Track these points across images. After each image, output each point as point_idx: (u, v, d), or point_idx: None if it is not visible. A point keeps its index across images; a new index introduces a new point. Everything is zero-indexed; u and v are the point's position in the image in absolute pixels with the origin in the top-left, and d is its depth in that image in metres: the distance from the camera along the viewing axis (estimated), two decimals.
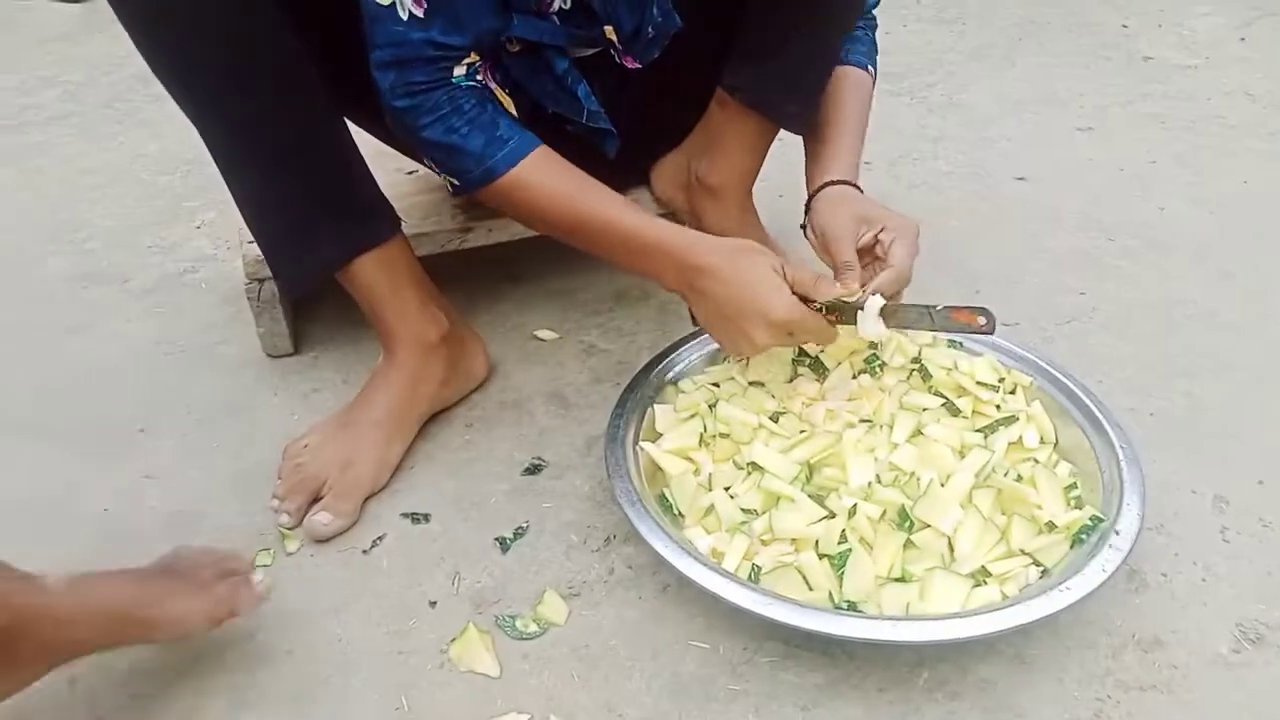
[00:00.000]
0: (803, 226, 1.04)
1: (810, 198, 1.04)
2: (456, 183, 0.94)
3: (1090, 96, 1.81)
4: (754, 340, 0.87)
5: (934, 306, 0.89)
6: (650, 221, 0.92)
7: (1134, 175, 1.55)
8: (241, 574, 0.79)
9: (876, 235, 0.96)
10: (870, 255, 0.97)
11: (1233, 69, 1.92)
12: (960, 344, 1.02)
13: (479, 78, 0.93)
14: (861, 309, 0.89)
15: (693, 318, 0.94)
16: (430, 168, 0.98)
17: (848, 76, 1.10)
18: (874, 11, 1.15)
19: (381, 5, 0.87)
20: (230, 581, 0.78)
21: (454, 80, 0.90)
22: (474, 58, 0.91)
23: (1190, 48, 2.02)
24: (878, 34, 1.15)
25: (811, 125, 1.09)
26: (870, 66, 1.13)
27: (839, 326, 0.91)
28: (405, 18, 0.87)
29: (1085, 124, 1.72)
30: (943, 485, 0.86)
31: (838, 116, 1.08)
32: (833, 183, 1.03)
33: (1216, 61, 1.95)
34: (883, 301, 0.89)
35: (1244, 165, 1.57)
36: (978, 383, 0.97)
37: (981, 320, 0.88)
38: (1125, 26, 2.13)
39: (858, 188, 1.04)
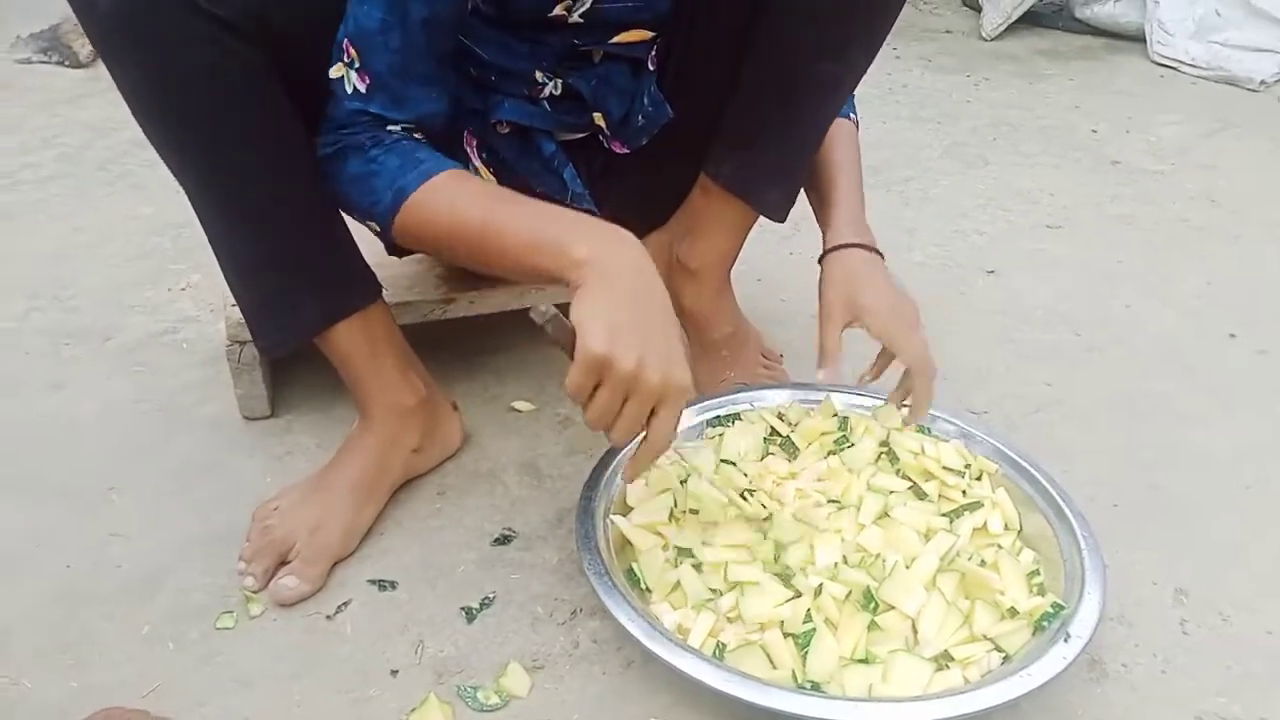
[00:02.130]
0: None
1: (821, 258, 1.07)
2: (375, 224, 0.92)
3: (1060, 196, 1.87)
4: (643, 371, 0.76)
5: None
6: (557, 207, 0.88)
7: (1101, 273, 1.60)
8: None
9: (866, 328, 1.00)
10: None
11: (1197, 175, 1.99)
12: (928, 429, 1.05)
13: (416, 136, 0.93)
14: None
15: (553, 319, 0.81)
16: (358, 218, 0.94)
17: (838, 127, 1.12)
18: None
19: (333, 79, 0.91)
20: None
21: (385, 129, 0.91)
22: (411, 126, 0.93)
23: (1157, 154, 2.10)
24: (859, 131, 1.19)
25: (812, 179, 1.12)
26: (853, 114, 1.17)
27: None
28: (349, 91, 0.90)
29: (1055, 222, 1.77)
30: (908, 568, 0.87)
31: (837, 170, 1.11)
32: (841, 246, 1.05)
33: (1182, 167, 2.03)
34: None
35: (1208, 266, 1.62)
36: (944, 467, 0.99)
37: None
38: (1095, 131, 2.21)
39: (869, 246, 1.06)
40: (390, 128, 0.91)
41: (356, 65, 0.89)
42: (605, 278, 0.79)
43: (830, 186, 1.11)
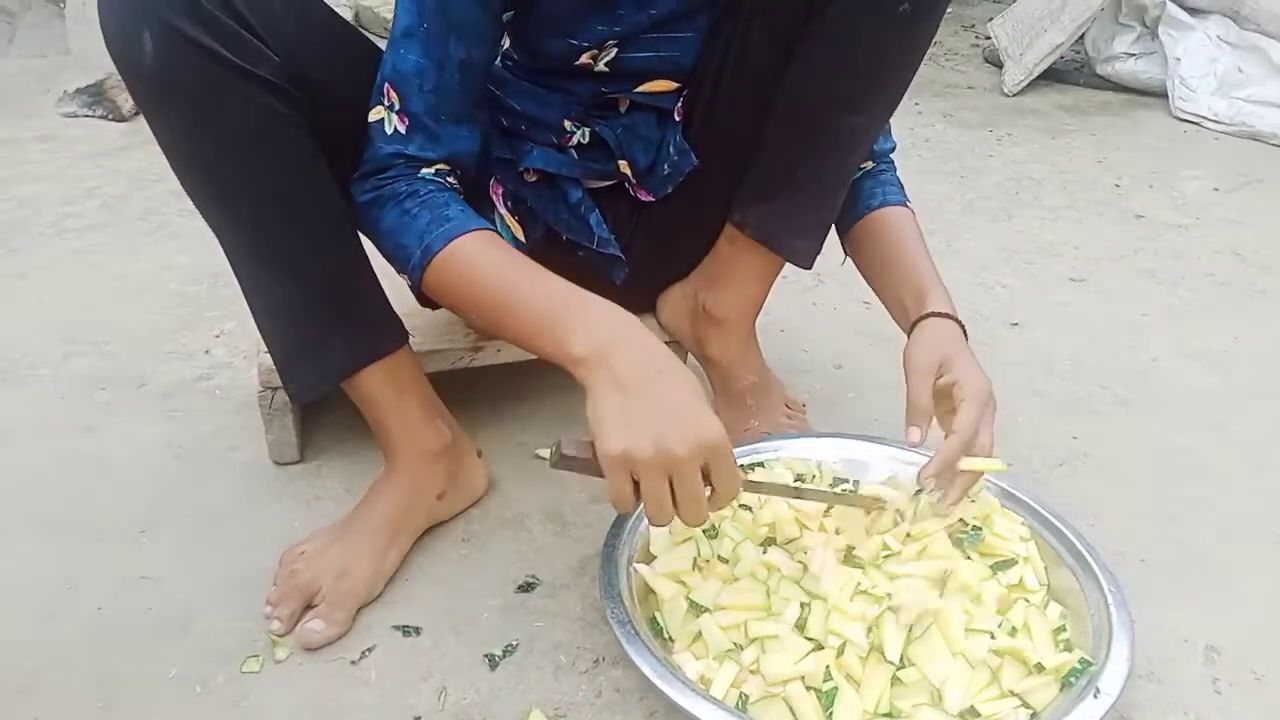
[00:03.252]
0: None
1: (910, 328, 1.04)
2: (406, 276, 0.94)
3: (1084, 249, 1.88)
4: (662, 443, 0.75)
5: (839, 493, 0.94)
6: (576, 289, 0.86)
7: (1126, 326, 1.60)
8: None
9: (950, 388, 0.96)
10: (948, 403, 0.96)
11: (1222, 230, 1.99)
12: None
13: (449, 180, 0.96)
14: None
15: (556, 452, 0.80)
16: (396, 270, 0.96)
17: (901, 216, 1.14)
18: (892, 156, 1.21)
19: (372, 122, 0.94)
20: None
21: (420, 175, 0.94)
22: (445, 166, 0.96)
23: (1180, 208, 2.10)
24: None
25: (891, 266, 1.12)
26: (907, 203, 1.17)
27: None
28: (389, 133, 0.93)
29: (1079, 275, 1.78)
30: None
31: (914, 258, 1.10)
32: (936, 314, 1.03)
33: (1206, 222, 2.03)
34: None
35: (1234, 322, 1.62)
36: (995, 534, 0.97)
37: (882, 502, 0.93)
38: (1118, 186, 2.22)
39: (959, 322, 1.04)
40: (424, 171, 0.94)
41: (396, 108, 0.93)
42: (605, 372, 0.79)
43: (912, 272, 1.09)
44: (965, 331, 1.04)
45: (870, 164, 1.17)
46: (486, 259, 0.90)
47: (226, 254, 0.97)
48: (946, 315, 1.03)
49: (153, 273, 1.62)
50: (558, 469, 0.81)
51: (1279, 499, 1.17)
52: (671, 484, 0.77)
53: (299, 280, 0.95)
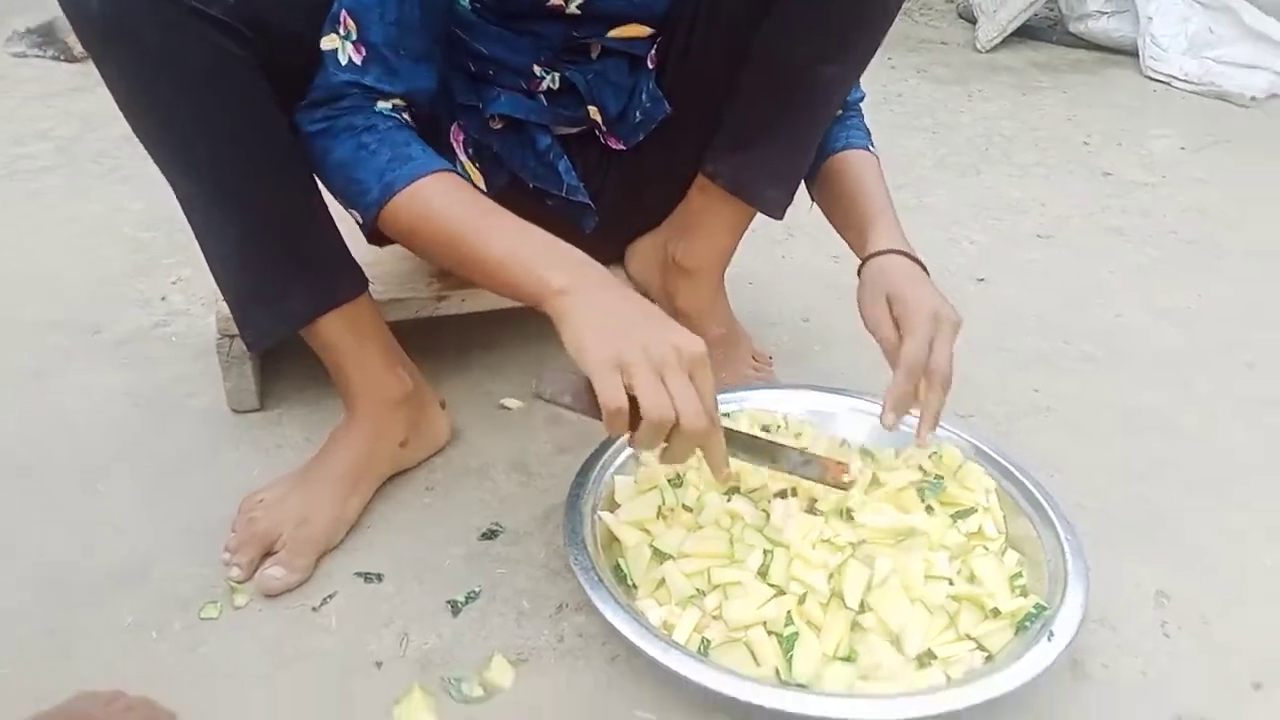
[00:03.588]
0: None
1: (860, 267, 1.03)
2: (358, 214, 0.92)
3: (1052, 206, 1.88)
4: (647, 346, 0.75)
5: (806, 452, 0.92)
6: (546, 234, 0.86)
7: (1093, 283, 1.61)
8: None
9: (900, 320, 0.94)
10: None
11: (1188, 188, 2.01)
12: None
13: (405, 116, 0.93)
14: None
15: (538, 386, 0.81)
16: (341, 203, 0.94)
17: (861, 160, 1.13)
18: (860, 106, 1.20)
19: (325, 50, 0.91)
20: None
21: (376, 109, 0.92)
22: (402, 102, 0.93)
23: (1148, 166, 2.11)
24: None
25: (848, 207, 1.10)
26: (871, 148, 1.16)
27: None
28: (344, 63, 0.90)
29: (1046, 232, 1.78)
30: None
31: (868, 197, 1.09)
32: (882, 252, 1.01)
33: (1173, 180, 2.05)
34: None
35: (1199, 280, 1.63)
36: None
37: (846, 478, 0.91)
38: (1087, 143, 2.23)
39: (911, 256, 1.01)
40: (381, 105, 0.91)
41: (353, 37, 0.90)
42: (585, 298, 0.79)
43: (864, 209, 1.08)
44: (924, 266, 1.01)
45: (839, 112, 1.16)
46: (451, 199, 0.88)
47: (179, 199, 0.94)
48: (895, 251, 1.02)
49: (106, 217, 1.59)
50: (553, 400, 0.80)
51: (1238, 456, 1.19)
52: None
53: (255, 225, 0.93)
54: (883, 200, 1.09)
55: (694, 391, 0.76)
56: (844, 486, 0.92)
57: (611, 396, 0.74)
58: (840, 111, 1.15)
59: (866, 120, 1.20)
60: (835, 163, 1.14)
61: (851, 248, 1.11)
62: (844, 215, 1.12)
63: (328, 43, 0.91)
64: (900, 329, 0.95)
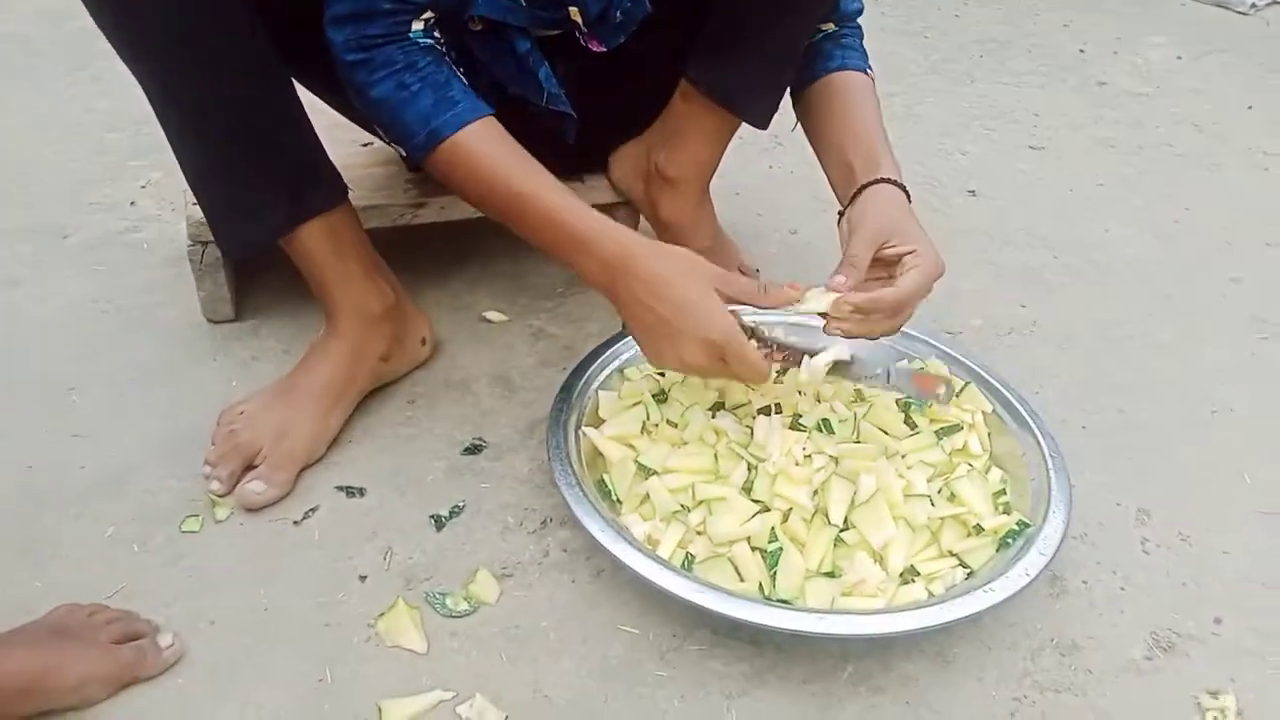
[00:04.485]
0: (840, 214, 1.00)
1: (859, 190, 0.98)
2: (404, 151, 0.93)
3: (1044, 117, 1.85)
4: (682, 356, 0.84)
5: (892, 366, 0.90)
6: (585, 212, 0.89)
7: (1082, 196, 1.59)
8: (147, 636, 0.77)
9: (901, 255, 0.92)
10: (885, 271, 0.92)
11: (1182, 99, 1.97)
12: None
13: (436, 34, 0.91)
14: (811, 356, 0.88)
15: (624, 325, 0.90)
16: (379, 136, 0.95)
17: (858, 82, 1.08)
18: (859, 21, 1.15)
19: None
20: (136, 645, 0.75)
21: (410, 35, 0.89)
22: (430, 15, 0.90)
23: (1143, 76, 2.07)
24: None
25: (843, 130, 1.05)
26: (869, 70, 1.11)
27: (777, 373, 0.87)
28: None
29: (1038, 143, 1.75)
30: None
31: (869, 121, 1.05)
32: (884, 181, 0.97)
33: (1167, 91, 2.01)
34: (836, 357, 0.89)
35: (1188, 193, 1.61)
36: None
37: (940, 390, 0.90)
38: (1082, 52, 2.18)
39: (906, 192, 0.98)
40: (415, 30, 0.89)
41: None
42: (621, 294, 0.86)
43: (866, 132, 1.03)
44: (909, 195, 0.98)
45: (833, 26, 1.11)
46: (496, 149, 0.90)
47: (150, 102, 0.90)
48: (898, 184, 0.99)
49: (73, 118, 1.52)
50: None
51: (1216, 371, 1.20)
52: None
53: (232, 132, 0.90)
54: (882, 130, 1.05)
55: (730, 375, 0.86)
56: (940, 401, 0.94)
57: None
58: (835, 26, 1.10)
59: None
60: (828, 83, 1.09)
61: (834, 171, 1.05)
62: (837, 140, 1.07)
63: None
64: (904, 265, 0.91)
